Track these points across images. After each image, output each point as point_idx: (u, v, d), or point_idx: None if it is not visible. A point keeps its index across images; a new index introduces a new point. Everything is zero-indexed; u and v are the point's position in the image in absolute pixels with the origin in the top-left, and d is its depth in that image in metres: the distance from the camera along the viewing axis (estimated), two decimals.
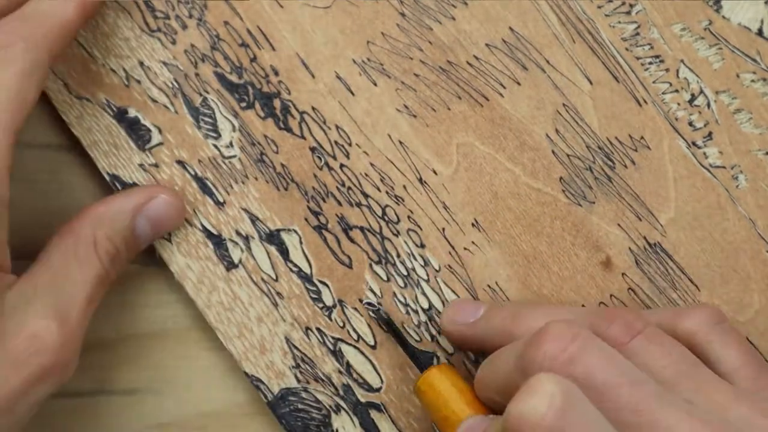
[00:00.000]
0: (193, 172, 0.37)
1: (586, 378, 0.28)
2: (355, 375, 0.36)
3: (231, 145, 0.37)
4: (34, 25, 0.32)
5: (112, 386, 0.37)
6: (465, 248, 0.37)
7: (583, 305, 0.37)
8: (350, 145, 0.37)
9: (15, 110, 0.30)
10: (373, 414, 0.36)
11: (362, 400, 0.36)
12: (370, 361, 0.36)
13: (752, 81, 0.37)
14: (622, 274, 0.37)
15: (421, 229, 0.37)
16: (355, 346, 0.36)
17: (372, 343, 0.36)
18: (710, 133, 0.37)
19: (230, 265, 0.37)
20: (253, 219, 0.37)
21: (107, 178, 0.37)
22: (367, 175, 0.37)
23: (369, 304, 0.36)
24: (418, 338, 0.37)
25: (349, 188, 0.37)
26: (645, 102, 0.37)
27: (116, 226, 0.33)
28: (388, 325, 0.36)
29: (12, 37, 0.31)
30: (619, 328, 0.31)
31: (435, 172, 0.37)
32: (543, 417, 0.25)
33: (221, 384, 0.37)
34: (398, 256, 0.37)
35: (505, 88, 0.37)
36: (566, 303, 0.37)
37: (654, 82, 0.37)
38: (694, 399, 0.29)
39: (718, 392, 0.29)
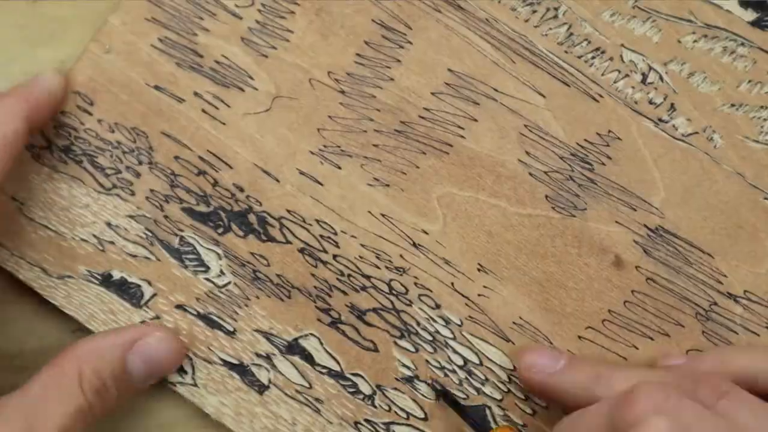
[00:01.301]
0: (195, 312, 0.37)
1: None
2: None
3: (222, 273, 0.37)
4: None
5: None
6: (479, 294, 0.37)
7: (609, 311, 0.37)
8: (336, 234, 0.37)
9: None
10: None
11: None
12: None
13: (694, 41, 0.37)
14: (636, 267, 0.37)
15: (431, 291, 0.37)
16: (407, 424, 0.36)
17: (422, 416, 0.36)
18: (672, 105, 0.37)
19: (262, 389, 0.36)
20: (268, 336, 0.37)
21: None
22: (361, 257, 0.37)
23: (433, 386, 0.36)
24: (464, 395, 0.36)
25: (350, 275, 0.37)
26: (601, 96, 0.37)
27: (104, 361, 0.33)
28: (446, 397, 0.36)
29: None
30: (706, 390, 0.31)
31: (425, 232, 0.37)
32: None
33: None
34: (418, 324, 0.37)
35: (463, 129, 0.37)
36: (592, 313, 0.36)
37: (603, 74, 0.37)
38: None
39: None
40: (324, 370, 0.36)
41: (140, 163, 0.37)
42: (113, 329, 0.35)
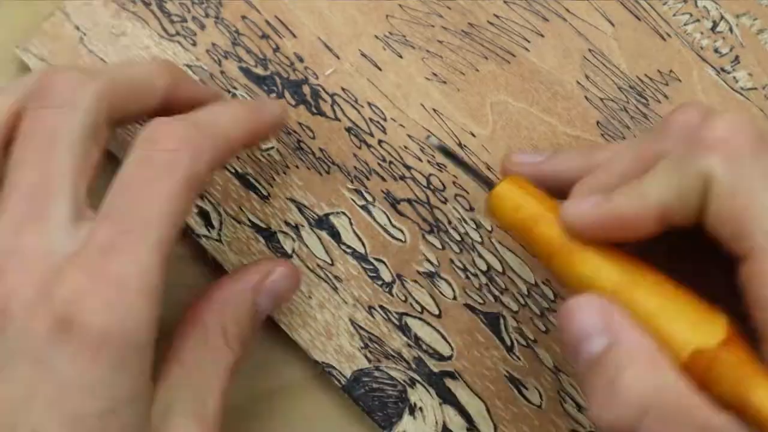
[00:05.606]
0: (233, 170, 0.37)
1: None
2: (424, 346, 0.36)
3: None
4: (205, 135, 0.29)
5: None
6: None
7: None
8: (385, 120, 0.37)
9: (167, 225, 0.27)
10: (449, 382, 0.36)
11: (435, 370, 0.36)
12: (438, 331, 0.36)
13: None
14: None
15: (467, 192, 0.37)
16: (420, 318, 0.36)
17: (436, 312, 0.36)
18: (737, 57, 0.37)
19: (284, 257, 0.37)
20: (300, 207, 0.37)
21: None
22: (406, 147, 0.37)
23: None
24: (481, 300, 0.37)
25: (391, 162, 0.37)
26: (669, 36, 0.37)
27: (241, 310, 0.32)
28: (445, 152, 0.33)
29: (181, 143, 0.28)
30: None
31: (473, 135, 0.37)
32: None
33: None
34: (449, 222, 0.37)
35: (529, 42, 0.37)
36: None
37: (674, 15, 0.37)
38: None
39: None
40: (349, 250, 0.37)
41: (207, 15, 0.37)
42: (239, 272, 0.33)
